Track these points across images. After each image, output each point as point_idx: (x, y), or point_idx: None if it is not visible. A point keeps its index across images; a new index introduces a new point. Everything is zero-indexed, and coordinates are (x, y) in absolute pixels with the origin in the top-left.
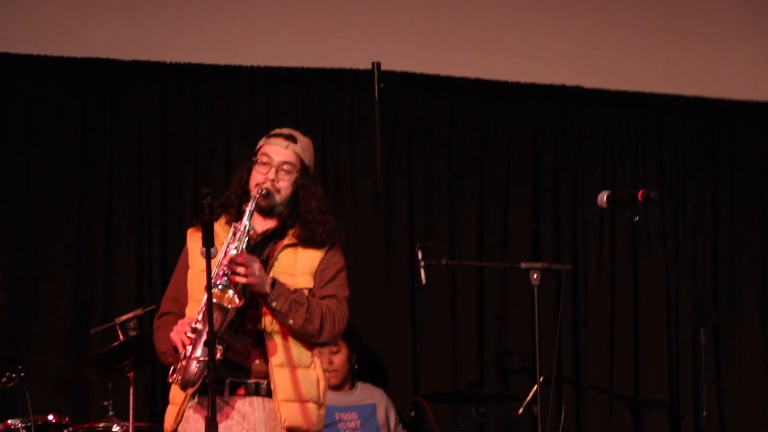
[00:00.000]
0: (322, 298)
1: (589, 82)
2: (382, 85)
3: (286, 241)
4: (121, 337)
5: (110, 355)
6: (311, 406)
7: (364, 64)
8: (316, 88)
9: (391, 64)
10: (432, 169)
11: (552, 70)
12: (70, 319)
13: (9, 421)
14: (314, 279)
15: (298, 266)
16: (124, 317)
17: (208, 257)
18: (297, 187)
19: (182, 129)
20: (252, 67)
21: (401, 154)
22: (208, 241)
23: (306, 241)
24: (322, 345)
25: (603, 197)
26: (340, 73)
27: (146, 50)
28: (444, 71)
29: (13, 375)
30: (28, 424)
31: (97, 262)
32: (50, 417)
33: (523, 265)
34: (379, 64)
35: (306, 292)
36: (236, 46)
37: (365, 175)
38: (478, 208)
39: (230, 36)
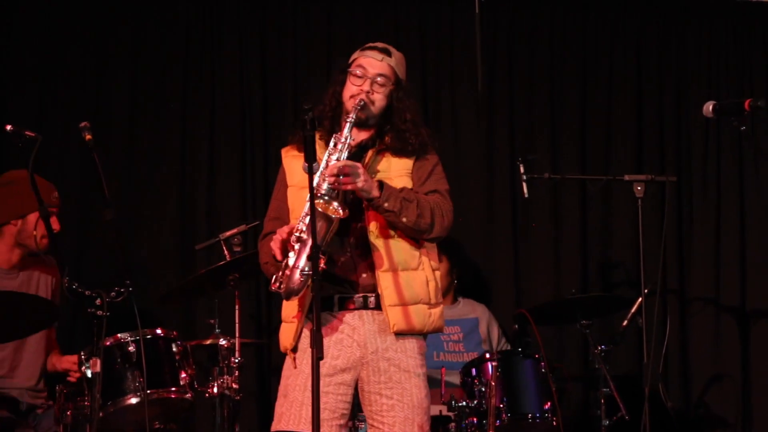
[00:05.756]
0: (425, 194)
1: None
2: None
3: (378, 147)
4: (225, 252)
5: (217, 271)
6: (420, 308)
7: None
8: (417, 3)
9: None
10: (533, 83)
11: None
12: (176, 236)
13: (119, 335)
14: (412, 179)
15: (393, 170)
16: (228, 233)
17: (311, 172)
18: (391, 99)
19: (282, 47)
20: None
21: (502, 68)
22: (311, 157)
23: (397, 151)
24: (434, 240)
25: (709, 107)
26: None
27: None
28: None
29: (122, 290)
30: (137, 337)
31: (200, 180)
32: (158, 331)
33: (627, 177)
34: None
35: None
36: None
37: (466, 90)
38: (581, 120)
39: None
